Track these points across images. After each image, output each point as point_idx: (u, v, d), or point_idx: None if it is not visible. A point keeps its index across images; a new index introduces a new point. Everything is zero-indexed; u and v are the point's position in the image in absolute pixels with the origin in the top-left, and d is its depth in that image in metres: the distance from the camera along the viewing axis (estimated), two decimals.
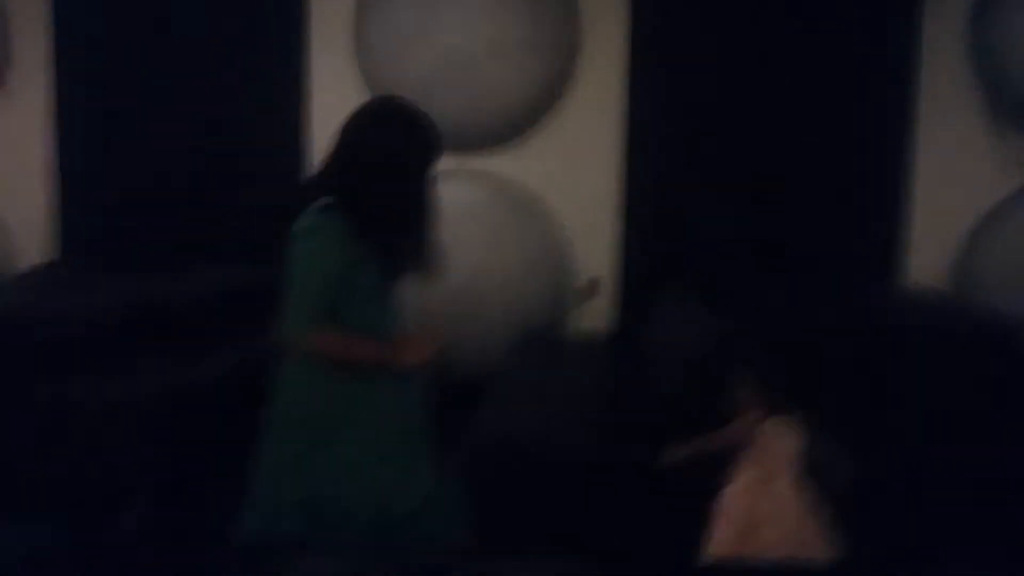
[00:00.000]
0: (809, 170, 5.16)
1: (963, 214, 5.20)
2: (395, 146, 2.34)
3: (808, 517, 2.75)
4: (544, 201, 5.30)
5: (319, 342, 2.29)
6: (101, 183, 5.54)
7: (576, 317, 5.38)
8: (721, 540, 2.77)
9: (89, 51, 5.49)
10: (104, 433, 3.67)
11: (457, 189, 5.08)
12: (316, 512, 2.31)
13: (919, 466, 3.21)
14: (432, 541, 2.45)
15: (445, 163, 2.55)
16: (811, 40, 5.09)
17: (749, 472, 2.80)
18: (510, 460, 3.29)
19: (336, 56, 5.31)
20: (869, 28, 5.09)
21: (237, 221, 5.32)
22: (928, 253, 5.22)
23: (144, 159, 5.48)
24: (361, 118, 2.39)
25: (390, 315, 2.44)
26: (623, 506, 3.19)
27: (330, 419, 2.33)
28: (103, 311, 4.19)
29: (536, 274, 5.16)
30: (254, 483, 2.40)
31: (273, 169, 5.29)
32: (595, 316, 5.36)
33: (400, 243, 2.37)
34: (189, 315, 4.59)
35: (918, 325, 3.78)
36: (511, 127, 5.28)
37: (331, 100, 5.11)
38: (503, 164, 5.31)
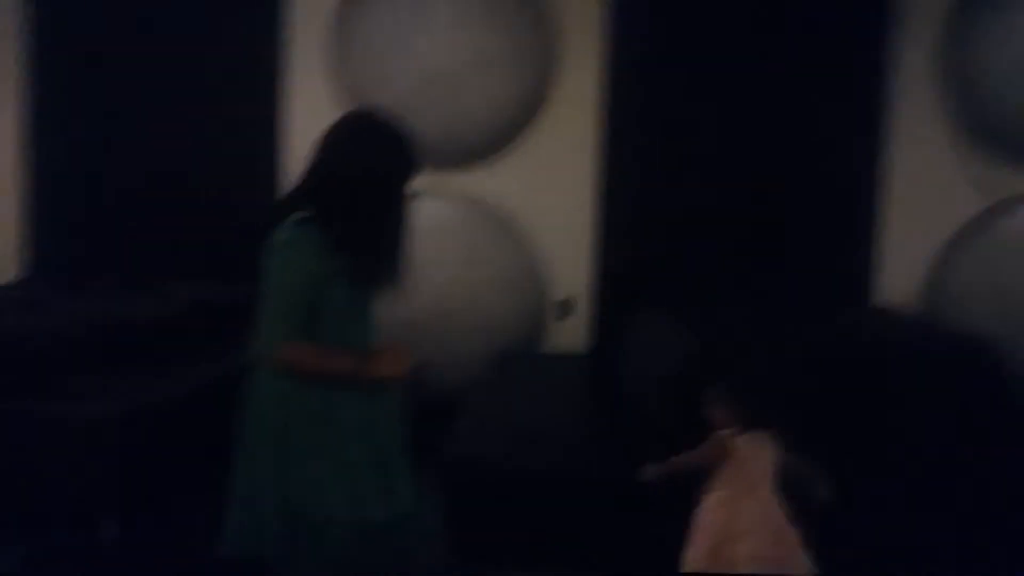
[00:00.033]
0: (782, 191, 5.22)
1: (933, 234, 5.27)
2: (372, 160, 2.34)
3: (783, 532, 2.76)
4: (519, 219, 5.31)
5: (293, 354, 2.27)
6: (72, 201, 5.50)
7: (551, 335, 5.39)
8: (697, 554, 2.78)
9: (61, 70, 5.46)
10: (76, 450, 3.62)
11: (433, 207, 5.09)
12: (292, 525, 2.29)
13: (891, 481, 3.23)
14: (407, 554, 2.43)
15: (421, 180, 2.54)
16: (784, 63, 5.16)
17: (725, 487, 2.81)
18: (484, 476, 3.28)
19: (313, 74, 5.31)
20: (841, 51, 5.16)
21: (211, 238, 5.30)
22: (899, 273, 5.28)
23: (116, 177, 5.44)
24: (339, 131, 2.38)
25: (365, 329, 2.43)
26: (598, 522, 3.19)
27: (304, 432, 2.31)
28: (72, 329, 4.15)
29: (511, 292, 5.16)
30: (233, 497, 2.38)
31: (247, 187, 5.27)
32: (570, 334, 5.38)
33: (376, 257, 2.36)
34: (160, 332, 4.56)
35: (889, 343, 3.82)
36: (487, 145, 5.29)
37: (307, 118, 5.11)
38: (479, 181, 5.32)
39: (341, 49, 5.22)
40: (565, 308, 5.32)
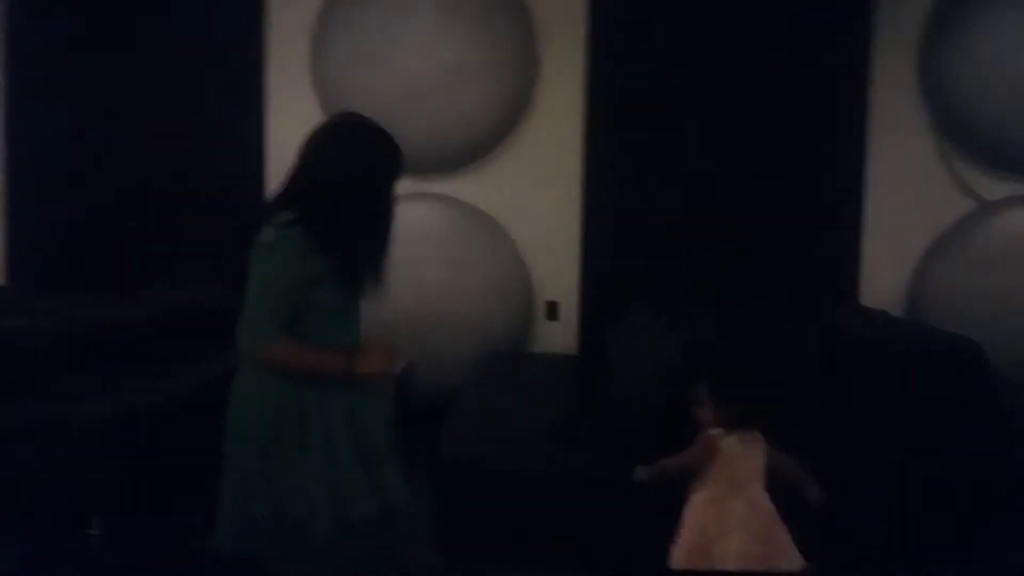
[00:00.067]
0: (766, 195, 5.25)
1: (916, 238, 5.31)
2: (356, 162, 2.34)
3: (771, 530, 2.78)
4: (507, 223, 5.32)
5: (277, 353, 2.27)
6: (52, 208, 5.47)
7: (539, 336, 5.40)
8: (684, 552, 2.78)
9: (39, 74, 5.44)
10: (58, 454, 3.62)
11: (419, 212, 5.09)
12: (281, 524, 2.29)
13: (876, 481, 3.24)
14: (396, 552, 2.43)
15: (405, 186, 2.55)
16: (766, 68, 5.19)
17: (712, 486, 2.82)
18: (473, 477, 3.28)
19: (293, 81, 5.31)
20: (822, 57, 5.20)
21: (192, 243, 5.29)
22: (882, 276, 5.32)
23: (96, 184, 5.42)
24: (323, 134, 2.39)
25: (350, 331, 2.43)
26: (587, 522, 3.19)
27: (290, 430, 2.31)
28: (52, 336, 4.13)
29: (498, 295, 5.17)
30: (223, 496, 2.38)
31: (228, 193, 5.25)
32: (557, 336, 5.38)
33: (360, 259, 2.36)
34: (140, 337, 4.55)
35: (874, 344, 3.84)
36: (472, 151, 5.30)
37: (288, 125, 5.10)
38: (466, 186, 5.33)
39: (322, 58, 5.22)
40: (549, 313, 5.36)
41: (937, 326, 4.67)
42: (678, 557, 2.79)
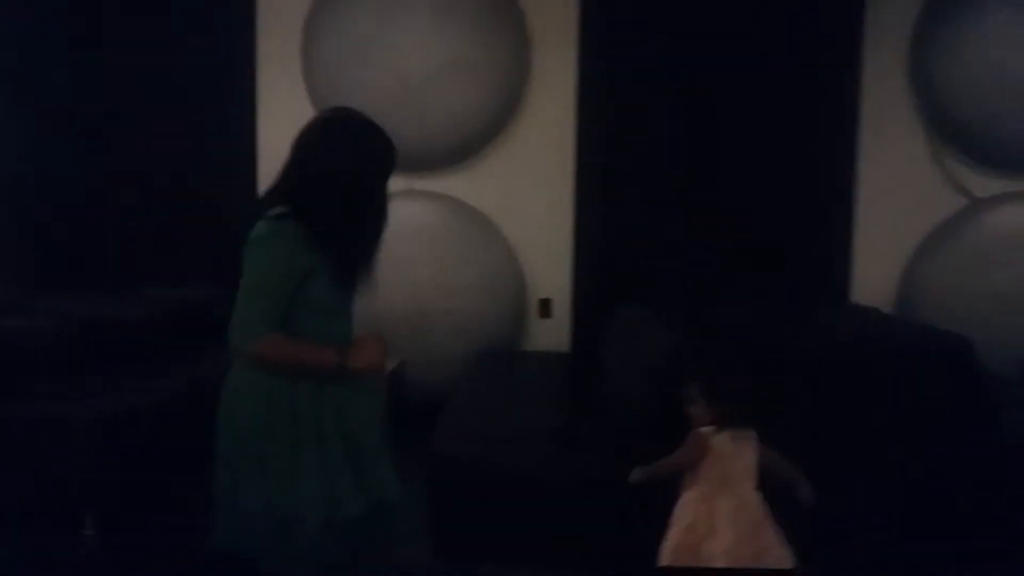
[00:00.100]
0: (758, 194, 5.26)
1: (907, 236, 5.33)
2: (349, 157, 2.33)
3: (761, 528, 2.78)
4: (499, 220, 5.32)
5: (269, 347, 2.27)
6: (34, 204, 5.46)
7: (533, 334, 5.40)
8: (673, 549, 2.79)
9: (21, 68, 5.41)
10: (53, 453, 3.62)
11: (412, 210, 5.09)
12: (273, 521, 2.28)
13: (867, 479, 3.25)
14: (389, 547, 2.43)
15: (397, 184, 2.54)
16: (756, 67, 5.20)
17: (702, 484, 2.83)
18: (466, 475, 3.28)
19: (284, 78, 5.30)
20: (812, 57, 5.21)
21: (184, 241, 5.28)
22: (873, 274, 5.34)
23: (86, 183, 5.40)
24: (316, 129, 2.38)
25: (343, 326, 2.43)
26: (579, 520, 3.19)
27: (281, 427, 2.30)
28: (45, 335, 4.12)
29: (490, 293, 5.17)
30: (216, 493, 2.38)
31: (220, 191, 5.24)
32: (550, 334, 5.39)
33: (353, 254, 2.36)
34: (134, 336, 4.53)
35: (865, 342, 3.85)
36: (464, 149, 5.30)
37: (280, 123, 5.08)
38: (459, 183, 5.33)
39: (314, 54, 5.20)
40: (541, 311, 5.36)
41: (928, 323, 4.69)
42: (668, 555, 2.79)
